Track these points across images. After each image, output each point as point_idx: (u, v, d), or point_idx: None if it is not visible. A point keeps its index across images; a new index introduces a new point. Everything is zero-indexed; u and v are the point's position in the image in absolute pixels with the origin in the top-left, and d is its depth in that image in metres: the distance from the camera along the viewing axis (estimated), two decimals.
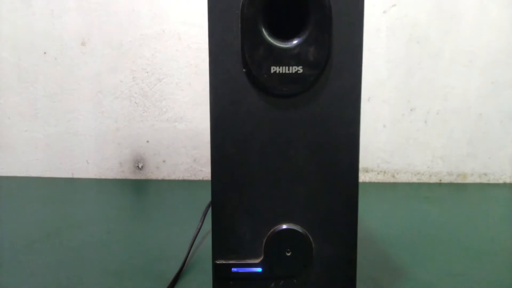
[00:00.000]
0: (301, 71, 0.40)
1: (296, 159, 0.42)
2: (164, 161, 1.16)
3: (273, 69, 0.40)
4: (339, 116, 0.41)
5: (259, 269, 0.43)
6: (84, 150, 1.17)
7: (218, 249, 0.43)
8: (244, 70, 0.41)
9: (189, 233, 0.71)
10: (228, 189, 0.43)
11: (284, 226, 0.43)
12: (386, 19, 1.11)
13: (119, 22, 1.12)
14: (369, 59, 1.11)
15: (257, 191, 0.43)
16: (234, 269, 0.43)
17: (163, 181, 1.15)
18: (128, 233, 0.75)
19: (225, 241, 0.43)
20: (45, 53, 1.14)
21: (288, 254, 0.43)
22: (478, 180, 1.16)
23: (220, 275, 0.43)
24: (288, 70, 0.40)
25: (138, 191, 1.06)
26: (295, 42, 0.40)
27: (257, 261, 0.43)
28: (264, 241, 0.43)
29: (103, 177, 1.17)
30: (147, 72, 1.14)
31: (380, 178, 1.16)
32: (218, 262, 0.43)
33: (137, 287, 0.54)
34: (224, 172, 0.42)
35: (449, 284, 0.56)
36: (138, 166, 1.17)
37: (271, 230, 0.43)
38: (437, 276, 0.58)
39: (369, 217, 0.84)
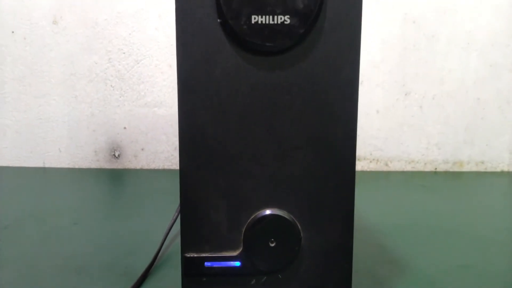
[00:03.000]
0: (288, 21, 0.33)
1: (282, 131, 0.35)
2: (142, 149, 1.08)
3: (254, 18, 0.33)
4: (334, 78, 0.34)
5: (237, 263, 0.36)
6: (56, 138, 1.08)
7: (188, 240, 0.36)
8: (218, 20, 0.33)
9: (166, 225, 0.63)
10: (199, 167, 0.35)
11: (267, 212, 0.36)
12: None
13: None
14: (362, 40, 1.04)
15: (235, 169, 0.35)
16: (207, 263, 0.36)
17: (141, 171, 1.08)
18: (98, 225, 0.67)
19: (196, 230, 0.36)
20: (13, 32, 1.05)
21: (272, 245, 0.36)
22: (475, 168, 1.10)
23: (191, 270, 0.36)
24: (273, 20, 0.33)
25: (113, 181, 0.98)
26: None
27: (235, 253, 0.36)
28: (243, 229, 0.36)
29: (76, 166, 1.09)
30: (124, 53, 1.05)
31: (372, 167, 1.10)
32: (188, 255, 0.36)
33: (98, 286, 0.47)
34: (195, 147, 0.35)
35: (453, 277, 0.50)
36: (114, 155, 1.08)
37: (252, 217, 0.36)
38: (439, 269, 0.52)
39: (363, 208, 0.77)
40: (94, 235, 0.63)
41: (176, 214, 0.62)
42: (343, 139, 0.35)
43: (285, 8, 0.33)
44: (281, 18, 0.33)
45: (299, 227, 0.36)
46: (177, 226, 0.63)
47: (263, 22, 0.33)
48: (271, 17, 0.33)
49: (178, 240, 0.61)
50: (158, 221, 0.69)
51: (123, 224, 0.68)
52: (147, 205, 0.78)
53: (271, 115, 0.35)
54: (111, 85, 1.06)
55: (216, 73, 0.34)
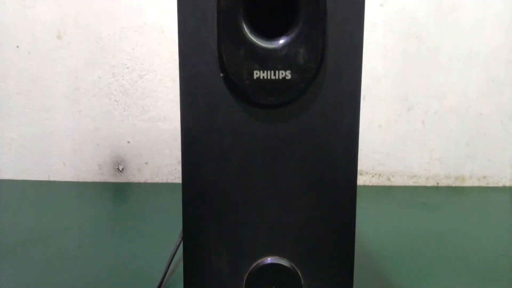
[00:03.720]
0: (289, 76, 0.33)
1: (283, 180, 0.35)
2: (146, 163, 1.09)
3: (256, 73, 0.33)
4: (334, 130, 0.35)
5: None
6: (61, 151, 1.09)
7: (191, 286, 0.37)
8: (221, 74, 0.34)
9: (170, 246, 0.64)
10: (202, 214, 0.36)
11: (269, 260, 0.36)
12: (383, 12, 1.04)
13: (98, 14, 1.04)
14: (365, 55, 1.04)
15: (237, 217, 0.36)
16: None
17: (145, 184, 1.08)
18: (102, 248, 0.68)
19: (199, 276, 0.37)
20: (17, 46, 1.06)
21: None
22: (477, 183, 1.11)
23: None
24: (274, 75, 0.33)
25: (117, 196, 0.99)
26: (282, 41, 0.33)
27: None
28: (245, 277, 0.37)
29: (81, 179, 1.10)
30: (128, 68, 1.06)
31: (374, 181, 1.10)
32: None
33: None
34: (198, 195, 0.36)
35: None
36: (118, 168, 1.09)
37: (253, 265, 0.37)
38: None
39: (362, 227, 0.78)
40: (98, 259, 0.64)
41: (179, 240, 0.63)
42: (343, 188, 0.36)
43: (286, 63, 0.33)
44: (282, 74, 0.33)
45: (300, 274, 0.37)
46: (180, 251, 0.64)
47: (265, 77, 0.33)
48: (272, 72, 0.33)
49: (181, 265, 0.62)
50: (162, 242, 0.70)
51: (127, 246, 0.69)
52: (151, 224, 0.79)
53: (271, 165, 0.35)
54: (115, 100, 1.07)
55: (219, 124, 0.35)
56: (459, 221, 0.84)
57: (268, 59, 0.33)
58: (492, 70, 1.06)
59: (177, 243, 0.62)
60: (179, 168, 1.11)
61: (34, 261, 0.63)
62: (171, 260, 0.58)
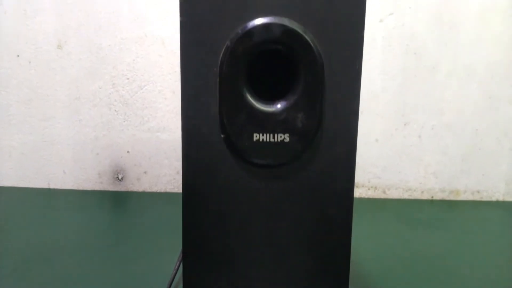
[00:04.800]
0: (287, 139, 0.35)
1: (281, 237, 0.37)
2: (145, 172, 1.11)
3: (256, 136, 0.34)
4: (331, 189, 0.36)
5: None
6: (61, 160, 1.10)
7: None
8: (222, 136, 0.35)
9: (170, 262, 0.65)
10: (203, 269, 0.37)
11: None
12: (382, 28, 1.05)
13: (98, 24, 1.05)
14: (363, 71, 1.05)
15: (236, 272, 0.37)
16: None
17: (144, 193, 1.10)
18: (102, 267, 0.70)
19: None
20: (18, 56, 1.06)
21: None
22: (470, 197, 1.12)
23: None
24: (273, 138, 0.34)
25: (117, 205, 1.01)
26: (281, 106, 0.34)
27: None
28: None
29: (80, 188, 1.11)
30: (128, 79, 1.07)
31: (370, 194, 1.12)
32: None
33: None
34: (198, 250, 0.37)
35: None
36: (117, 177, 1.11)
37: None
38: None
39: (356, 245, 0.80)
40: (99, 280, 0.65)
41: (178, 263, 0.64)
42: (338, 246, 0.37)
43: (285, 127, 0.34)
44: (281, 136, 0.35)
45: None
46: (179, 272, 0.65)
47: (264, 140, 0.35)
48: (271, 135, 0.34)
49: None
50: (161, 258, 0.71)
51: (126, 264, 0.70)
52: (151, 237, 0.80)
53: (269, 221, 0.37)
54: (115, 110, 1.08)
55: (219, 182, 0.36)
56: (452, 240, 0.86)
57: (268, 123, 0.34)
58: (490, 86, 1.07)
59: (176, 267, 0.64)
60: (178, 177, 1.13)
61: (36, 281, 0.64)
62: (172, 281, 0.60)
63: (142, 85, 1.07)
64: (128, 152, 1.10)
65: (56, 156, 1.10)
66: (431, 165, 1.11)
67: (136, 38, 1.05)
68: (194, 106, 0.34)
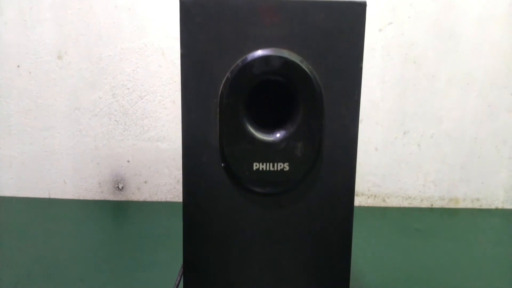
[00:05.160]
0: (287, 168, 0.35)
1: (280, 262, 0.37)
2: (145, 182, 1.11)
3: (256, 165, 0.35)
4: (330, 217, 0.36)
5: None
6: (61, 170, 1.10)
7: None
8: (222, 165, 0.35)
9: (170, 273, 0.66)
10: None
11: None
12: (381, 37, 1.05)
13: (98, 35, 1.05)
14: (363, 79, 1.06)
15: None
16: None
17: (144, 203, 1.10)
18: (103, 279, 0.70)
19: None
20: (18, 66, 1.07)
21: None
22: (470, 205, 1.13)
23: None
24: (273, 167, 0.35)
25: (117, 215, 1.01)
26: (281, 135, 0.35)
27: None
28: None
29: (81, 197, 1.11)
30: (128, 89, 1.07)
31: (370, 202, 1.12)
32: None
33: None
34: (198, 278, 0.37)
35: None
36: (118, 187, 1.11)
37: None
38: None
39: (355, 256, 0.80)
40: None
41: (179, 278, 0.65)
42: (337, 273, 0.37)
43: (284, 156, 0.35)
44: (280, 166, 0.35)
45: None
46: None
47: (264, 169, 0.35)
48: (271, 164, 0.35)
49: None
50: (161, 272, 0.71)
51: (129, 276, 0.70)
52: (151, 247, 0.81)
53: (269, 247, 0.37)
54: (115, 120, 1.08)
55: (219, 210, 0.36)
56: (451, 251, 0.86)
57: (267, 152, 0.35)
58: (489, 95, 1.07)
59: (177, 283, 0.64)
60: (178, 187, 1.13)
61: None
62: None
63: (142, 95, 1.07)
64: (128, 161, 1.10)
65: (56, 166, 1.10)
66: (430, 173, 1.11)
67: (136, 48, 1.05)
68: (194, 135, 0.35)
